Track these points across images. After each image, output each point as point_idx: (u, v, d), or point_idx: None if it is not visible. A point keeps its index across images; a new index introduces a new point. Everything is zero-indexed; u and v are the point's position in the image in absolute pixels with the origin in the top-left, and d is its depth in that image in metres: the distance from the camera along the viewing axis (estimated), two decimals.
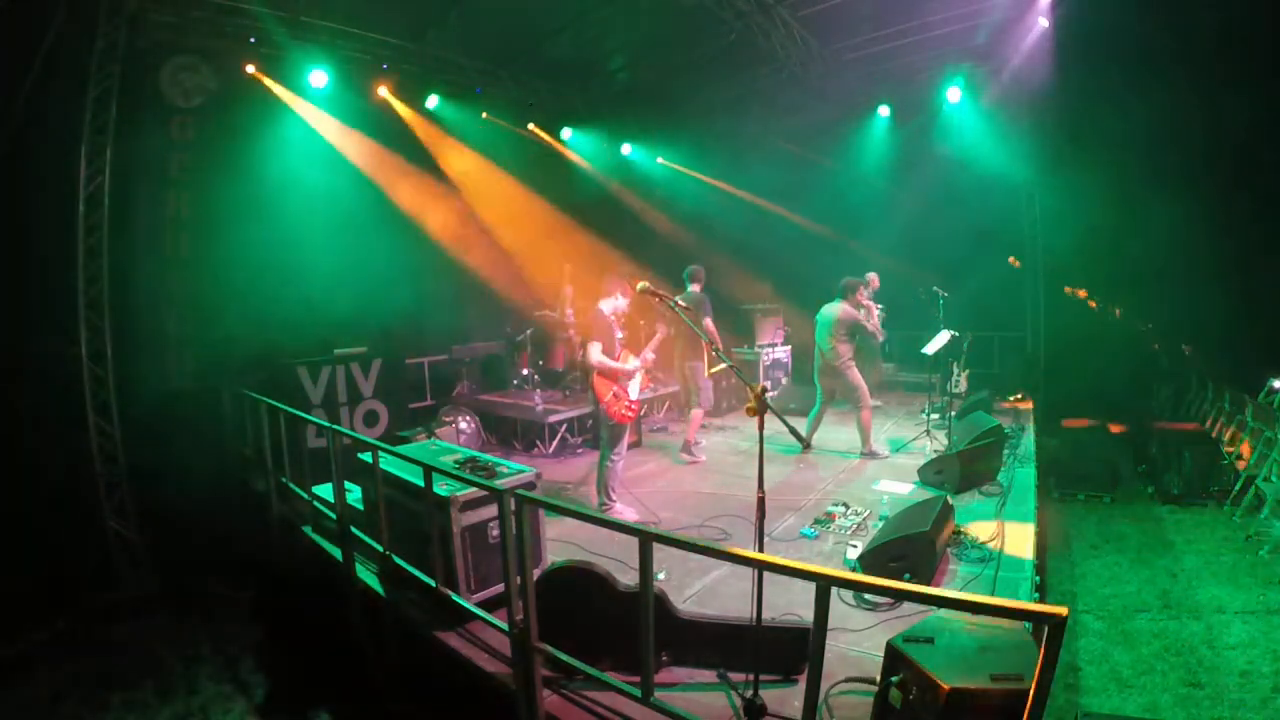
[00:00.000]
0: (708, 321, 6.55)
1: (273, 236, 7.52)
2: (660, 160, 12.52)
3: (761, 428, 2.81)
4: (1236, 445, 7.80)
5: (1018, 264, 8.53)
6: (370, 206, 8.45)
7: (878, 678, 2.58)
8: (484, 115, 9.72)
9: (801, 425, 6.41)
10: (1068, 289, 7.45)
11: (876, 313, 6.97)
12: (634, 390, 5.18)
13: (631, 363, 5.14)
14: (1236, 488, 7.21)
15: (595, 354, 4.95)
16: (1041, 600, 4.46)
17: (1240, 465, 7.48)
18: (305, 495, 5.19)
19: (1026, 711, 1.75)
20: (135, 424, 6.50)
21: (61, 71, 6.04)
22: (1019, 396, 8.68)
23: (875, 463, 6.51)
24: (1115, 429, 8.77)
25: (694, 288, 6.86)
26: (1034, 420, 7.88)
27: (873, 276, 8.17)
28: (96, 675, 4.82)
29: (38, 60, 6.00)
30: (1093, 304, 8.56)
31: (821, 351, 6.76)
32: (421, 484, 3.60)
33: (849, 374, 6.64)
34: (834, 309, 6.71)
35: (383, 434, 6.66)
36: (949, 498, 4.72)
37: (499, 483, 3.45)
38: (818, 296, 7.12)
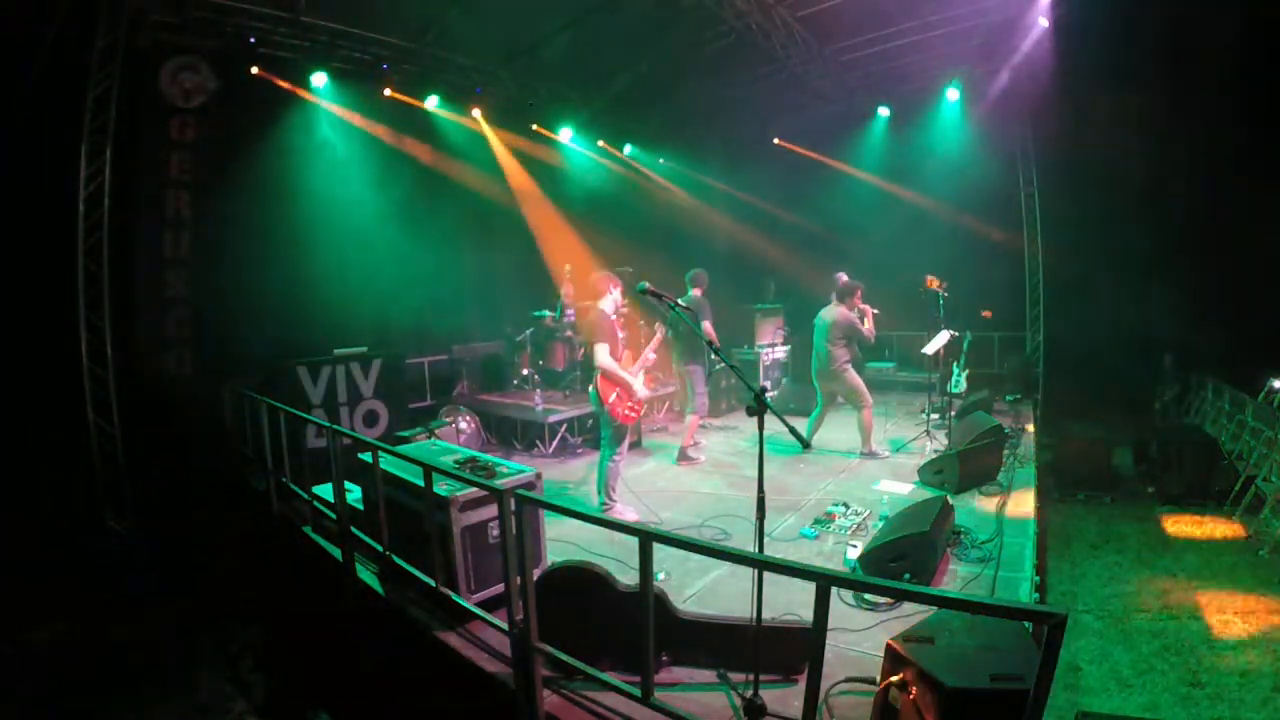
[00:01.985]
0: (706, 325, 6.54)
1: (272, 237, 7.53)
2: (660, 161, 12.53)
3: (761, 428, 2.81)
4: (1237, 445, 7.79)
5: (989, 315, 8.49)
6: (369, 206, 8.46)
7: (878, 678, 2.58)
8: (483, 115, 9.73)
9: (801, 425, 6.42)
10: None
11: (871, 316, 6.96)
12: (638, 390, 5.17)
13: (639, 379, 5.13)
14: (1236, 488, 7.20)
15: (603, 356, 4.92)
16: (1041, 600, 4.46)
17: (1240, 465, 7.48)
18: (305, 495, 5.19)
19: (1026, 711, 1.75)
20: (135, 424, 6.50)
21: (61, 72, 6.04)
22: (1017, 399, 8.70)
23: (875, 463, 6.51)
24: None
25: (695, 292, 6.86)
26: (1034, 420, 7.88)
27: (840, 275, 8.08)
28: (96, 675, 4.82)
29: (38, 61, 6.01)
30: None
31: (819, 355, 6.76)
32: (421, 484, 3.60)
33: (847, 376, 6.64)
34: (831, 312, 6.70)
35: (383, 434, 6.66)
36: (949, 498, 4.72)
37: (499, 483, 3.44)
38: (817, 297, 7.12)
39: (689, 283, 6.91)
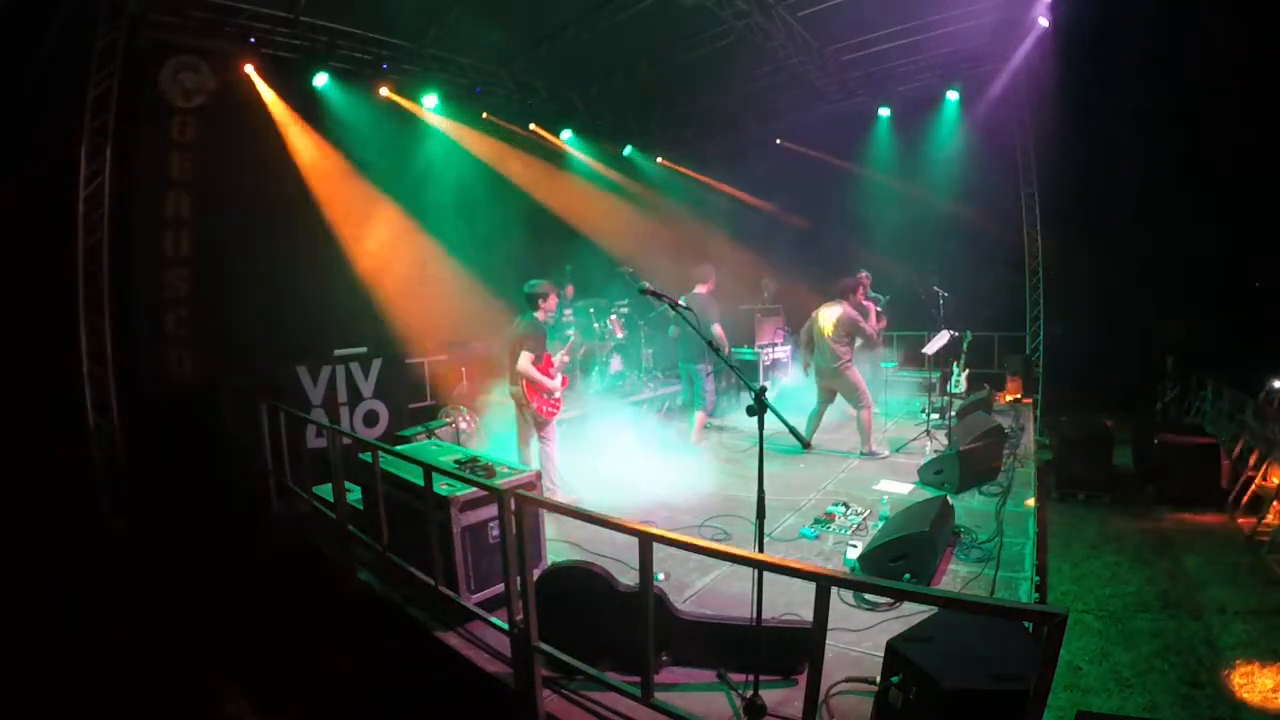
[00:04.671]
0: (716, 326, 6.55)
1: (272, 236, 7.53)
2: (660, 160, 12.53)
3: (761, 428, 2.81)
4: (1237, 445, 7.80)
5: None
6: (369, 206, 8.45)
7: (878, 678, 2.58)
8: (484, 115, 9.73)
9: (801, 425, 6.41)
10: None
11: (874, 313, 6.91)
12: (555, 392, 5.46)
13: (555, 379, 5.40)
14: (1236, 488, 7.20)
15: (524, 364, 5.19)
16: (1041, 600, 4.46)
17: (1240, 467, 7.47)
18: (305, 495, 5.19)
19: (1026, 711, 1.75)
20: (135, 424, 6.50)
21: (61, 71, 6.04)
22: (1016, 396, 8.69)
23: (875, 463, 6.50)
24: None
25: (700, 289, 6.84)
26: (1034, 420, 7.87)
27: (864, 275, 8.05)
28: (97, 676, 4.82)
29: (38, 60, 6.01)
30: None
31: (821, 353, 6.75)
32: (421, 484, 3.61)
33: (848, 374, 6.63)
34: (834, 310, 6.69)
35: (383, 434, 6.66)
36: (949, 498, 4.72)
37: (499, 482, 3.45)
38: (817, 296, 7.11)
39: (696, 280, 6.89)
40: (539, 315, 5.36)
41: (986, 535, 4.49)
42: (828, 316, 6.69)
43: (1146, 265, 9.58)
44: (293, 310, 7.39)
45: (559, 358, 5.58)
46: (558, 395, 5.45)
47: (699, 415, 7.00)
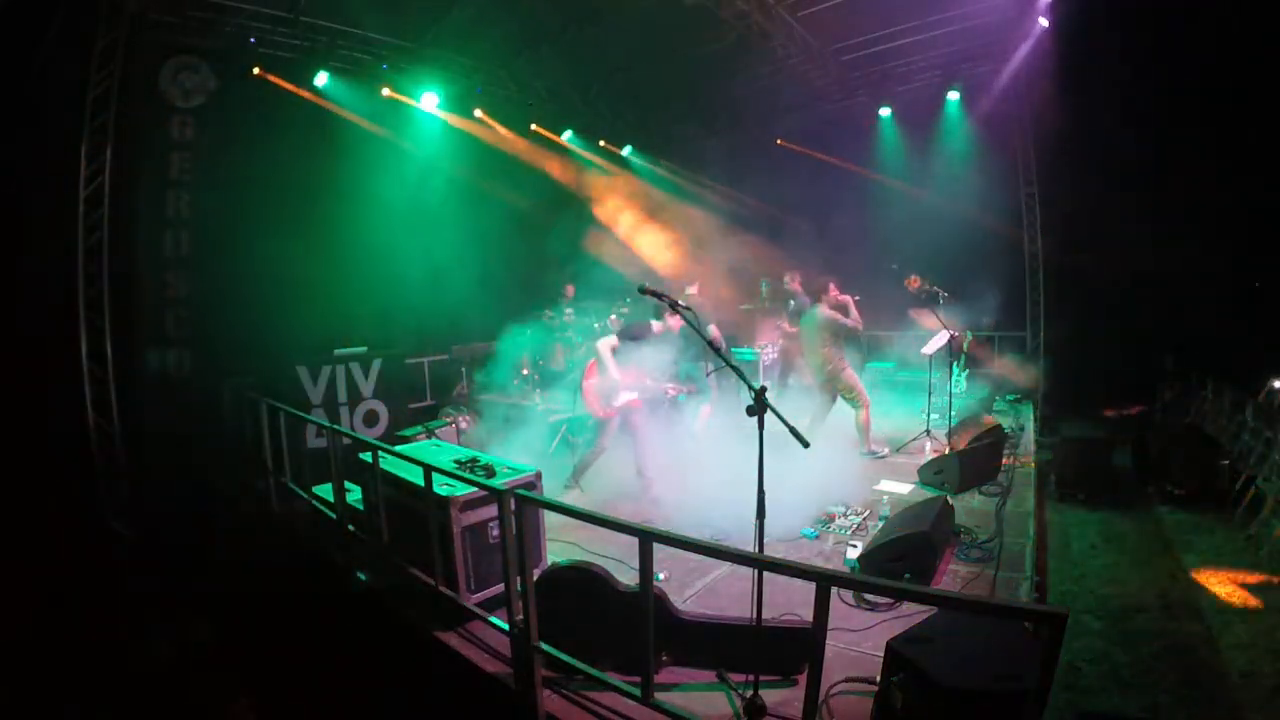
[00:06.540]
0: (712, 328, 6.54)
1: (273, 236, 7.52)
2: (660, 160, 12.52)
3: (761, 428, 2.81)
4: (1237, 445, 7.79)
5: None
6: (370, 206, 8.45)
7: (878, 678, 2.58)
8: (483, 115, 9.72)
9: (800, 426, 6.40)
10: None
11: (853, 304, 6.77)
12: (615, 398, 5.56)
13: (622, 391, 5.50)
14: (1236, 488, 7.20)
15: (601, 344, 5.36)
16: (1041, 600, 4.46)
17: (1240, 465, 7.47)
18: (305, 495, 5.19)
19: (1026, 711, 1.75)
20: (135, 424, 6.50)
21: (61, 71, 6.05)
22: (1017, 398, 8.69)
23: (875, 463, 6.49)
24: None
25: (690, 290, 6.84)
26: (1034, 420, 7.86)
27: (791, 275, 8.01)
28: (98, 676, 4.82)
29: (37, 60, 6.01)
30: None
31: (813, 358, 6.74)
32: (421, 484, 3.60)
33: (843, 375, 6.62)
34: (814, 315, 6.66)
35: (383, 434, 6.66)
36: (949, 498, 4.72)
37: (499, 483, 3.45)
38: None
39: (684, 287, 6.89)
40: (655, 327, 5.42)
41: (986, 535, 4.49)
42: (809, 322, 6.69)
43: (1146, 265, 9.56)
44: (293, 310, 7.38)
45: (660, 385, 5.59)
46: (617, 403, 5.46)
47: (704, 409, 6.99)
